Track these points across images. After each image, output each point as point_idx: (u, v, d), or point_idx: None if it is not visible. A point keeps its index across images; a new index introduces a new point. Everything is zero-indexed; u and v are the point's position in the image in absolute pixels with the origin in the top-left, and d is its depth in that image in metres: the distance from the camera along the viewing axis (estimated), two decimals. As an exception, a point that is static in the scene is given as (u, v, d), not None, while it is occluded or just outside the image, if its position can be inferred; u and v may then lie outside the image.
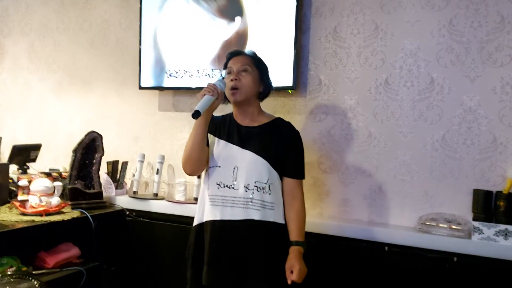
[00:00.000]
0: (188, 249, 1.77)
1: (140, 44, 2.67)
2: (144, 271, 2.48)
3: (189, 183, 2.51)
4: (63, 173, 2.65)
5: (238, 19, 2.41)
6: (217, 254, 1.65)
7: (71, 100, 3.04)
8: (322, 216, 2.26)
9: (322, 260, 2.03)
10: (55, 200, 2.22)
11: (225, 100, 1.73)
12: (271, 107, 2.35)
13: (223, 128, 1.74)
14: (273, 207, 1.65)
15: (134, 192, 2.62)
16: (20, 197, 2.23)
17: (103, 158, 2.53)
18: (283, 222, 1.67)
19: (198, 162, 1.69)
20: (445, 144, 2.05)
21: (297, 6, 2.25)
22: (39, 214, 2.11)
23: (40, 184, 2.21)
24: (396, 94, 2.14)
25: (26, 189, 2.25)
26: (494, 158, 1.96)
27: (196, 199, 2.46)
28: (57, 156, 3.01)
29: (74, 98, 3.03)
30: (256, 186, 1.63)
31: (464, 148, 2.02)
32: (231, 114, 1.79)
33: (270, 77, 1.80)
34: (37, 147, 2.65)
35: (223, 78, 1.74)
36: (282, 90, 2.31)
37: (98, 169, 2.52)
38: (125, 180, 2.71)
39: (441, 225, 1.94)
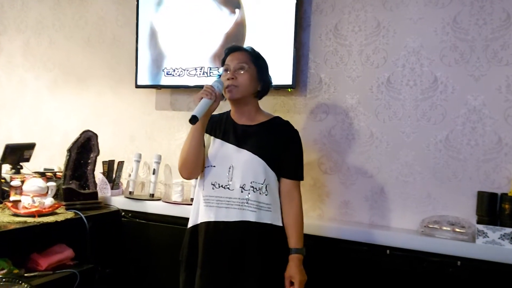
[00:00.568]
0: (182, 252, 1.71)
1: (136, 41, 2.61)
2: (140, 273, 2.43)
3: (186, 183, 2.46)
4: (57, 173, 2.60)
5: (237, 11, 2.36)
6: (211, 257, 1.60)
7: (67, 98, 2.98)
8: (322, 218, 2.21)
9: (321, 263, 1.97)
10: (49, 200, 2.17)
11: (223, 97, 1.66)
12: (271, 106, 2.30)
13: (219, 126, 1.68)
14: (270, 208, 1.60)
15: (130, 193, 2.57)
16: (12, 198, 2.18)
17: (98, 157, 2.48)
18: (280, 224, 1.62)
19: (195, 165, 1.62)
20: (449, 144, 1.99)
21: (297, 3, 2.20)
22: (32, 215, 2.06)
23: (33, 184, 2.16)
24: (399, 93, 2.09)
25: (19, 189, 2.21)
26: (499, 159, 1.91)
27: (193, 199, 2.41)
28: (52, 155, 2.96)
29: (69, 96, 2.97)
30: (252, 187, 1.57)
31: (468, 149, 1.96)
32: (228, 113, 1.73)
33: (270, 74, 1.73)
34: (31, 146, 2.59)
35: (219, 76, 1.68)
36: (281, 88, 2.26)
37: (93, 169, 2.47)
38: (121, 180, 2.66)
39: (444, 228, 1.89)
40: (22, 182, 2.21)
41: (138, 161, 2.60)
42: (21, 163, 2.61)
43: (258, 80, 1.66)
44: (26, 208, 2.09)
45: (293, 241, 1.60)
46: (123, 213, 2.48)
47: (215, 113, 1.67)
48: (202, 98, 1.52)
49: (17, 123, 3.17)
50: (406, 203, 2.07)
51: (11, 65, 3.20)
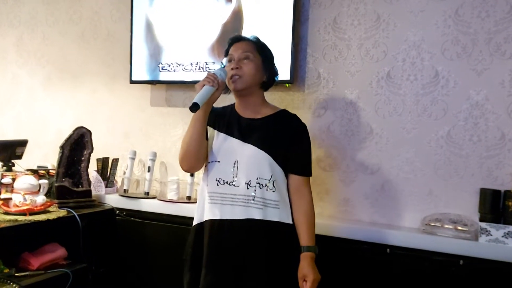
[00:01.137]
0: (186, 251, 1.65)
1: (131, 36, 2.56)
2: (134, 273, 2.38)
3: (182, 181, 2.41)
4: (51, 171, 2.54)
5: (234, 0, 2.31)
6: (216, 256, 1.53)
7: (61, 94, 2.93)
8: (321, 216, 2.13)
9: (320, 262, 1.91)
10: (41, 198, 2.11)
11: (227, 89, 1.60)
12: (268, 101, 2.24)
13: (223, 120, 1.61)
14: (277, 205, 1.53)
15: (125, 191, 2.52)
16: (3, 195, 2.12)
17: (92, 155, 2.43)
18: (290, 222, 1.55)
19: (196, 157, 1.56)
20: (451, 140, 1.94)
21: (295, -4, 2.14)
22: (23, 213, 2.01)
23: (25, 181, 2.11)
24: (399, 88, 2.04)
25: (10, 187, 2.15)
26: (502, 156, 1.86)
27: (189, 197, 2.37)
28: (46, 152, 2.90)
29: (63, 93, 2.92)
30: (259, 183, 1.51)
31: (470, 145, 1.91)
32: (232, 105, 1.66)
33: (275, 65, 1.66)
34: (23, 143, 2.54)
35: (224, 66, 1.62)
36: (279, 83, 2.19)
37: (87, 167, 2.42)
38: (115, 178, 2.61)
39: (446, 226, 1.84)
40: (14, 179, 2.16)
41: (133, 159, 2.55)
42: (13, 160, 2.55)
43: (264, 70, 1.60)
44: (17, 206, 2.04)
45: (305, 239, 1.54)
46: (117, 212, 2.43)
47: (218, 106, 1.61)
48: (204, 85, 1.46)
49: (10, 120, 3.12)
50: (407, 201, 2.02)
51: (5, 61, 3.14)
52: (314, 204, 2.13)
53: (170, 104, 2.58)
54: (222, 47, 2.18)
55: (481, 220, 1.79)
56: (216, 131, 1.60)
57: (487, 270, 1.72)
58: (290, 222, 1.55)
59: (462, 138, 1.93)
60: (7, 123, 3.12)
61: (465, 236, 1.79)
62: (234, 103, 1.66)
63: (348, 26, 2.14)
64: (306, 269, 1.50)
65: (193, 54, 2.41)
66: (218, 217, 1.53)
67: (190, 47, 2.42)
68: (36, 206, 2.08)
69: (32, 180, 2.12)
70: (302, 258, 1.52)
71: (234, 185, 1.52)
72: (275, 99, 2.28)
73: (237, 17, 2.30)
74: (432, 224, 1.87)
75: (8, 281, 1.70)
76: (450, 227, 1.83)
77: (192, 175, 2.35)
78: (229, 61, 1.59)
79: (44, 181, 2.17)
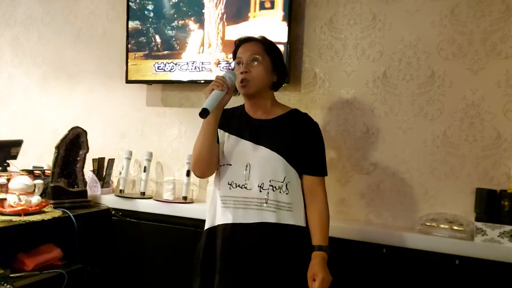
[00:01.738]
0: (197, 254, 1.62)
1: (127, 36, 2.54)
2: (130, 273, 2.37)
3: (178, 181, 2.41)
4: (46, 171, 2.53)
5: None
6: (229, 261, 1.50)
7: (56, 94, 2.92)
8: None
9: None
10: (35, 199, 2.10)
11: (236, 91, 1.58)
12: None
13: (234, 122, 1.59)
14: (290, 208, 1.50)
15: (121, 191, 2.51)
16: (-3, 196, 2.11)
17: (88, 155, 2.42)
18: (303, 224, 1.52)
19: (209, 163, 1.54)
20: (447, 140, 1.94)
21: (291, -4, 2.14)
22: (18, 213, 2.00)
23: (19, 182, 2.09)
24: (395, 88, 2.03)
25: (5, 187, 2.14)
26: (498, 155, 1.86)
27: (185, 198, 2.36)
28: (42, 153, 2.89)
29: (59, 92, 2.90)
30: (272, 186, 1.48)
31: (466, 145, 1.91)
32: (242, 106, 1.64)
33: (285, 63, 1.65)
34: (18, 143, 2.52)
35: (233, 68, 1.60)
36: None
37: (83, 167, 2.41)
38: (111, 178, 2.60)
39: (442, 226, 1.83)
40: (8, 180, 2.15)
41: (129, 159, 2.54)
42: (8, 161, 2.54)
43: (273, 71, 1.57)
44: (12, 206, 2.03)
45: (317, 239, 1.50)
46: (113, 212, 2.42)
47: (227, 107, 1.58)
48: (213, 90, 1.44)
49: (5, 120, 3.10)
50: (403, 201, 2.01)
51: (0, 61, 3.12)
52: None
53: (166, 104, 2.57)
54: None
55: (477, 220, 1.79)
56: (227, 134, 1.58)
57: (482, 270, 1.71)
58: (304, 224, 1.52)
59: (458, 138, 1.93)
60: (2, 123, 3.10)
61: (460, 236, 1.78)
62: (243, 104, 1.64)
63: (344, 26, 2.13)
64: (316, 268, 1.46)
65: (190, 52, 2.40)
66: (230, 221, 1.50)
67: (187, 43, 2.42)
68: (31, 207, 2.07)
69: (27, 180, 2.11)
70: (312, 257, 1.48)
71: (246, 188, 1.50)
72: None
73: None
74: (428, 224, 1.87)
75: (3, 282, 1.69)
76: (446, 227, 1.83)
77: (188, 175, 2.35)
78: (238, 63, 1.56)
79: (39, 182, 2.16)
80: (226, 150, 1.55)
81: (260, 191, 1.48)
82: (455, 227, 1.81)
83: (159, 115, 2.59)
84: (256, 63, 1.53)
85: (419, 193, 1.99)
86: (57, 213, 2.15)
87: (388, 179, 2.04)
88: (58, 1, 2.89)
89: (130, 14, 2.53)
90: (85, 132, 2.39)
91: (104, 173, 2.57)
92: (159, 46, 2.46)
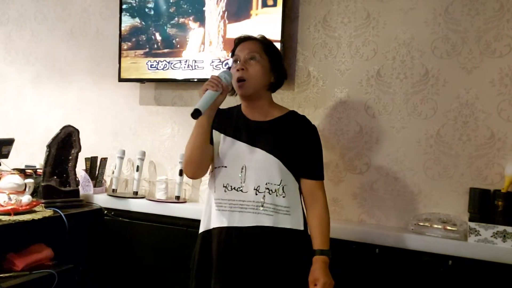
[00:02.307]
0: (192, 259, 1.59)
1: (120, 34, 2.52)
2: (123, 273, 2.35)
3: (170, 180, 2.39)
4: (38, 170, 2.51)
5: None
6: (226, 266, 1.47)
7: (49, 92, 2.89)
8: (310, 216, 2.13)
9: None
10: (26, 198, 2.08)
11: (232, 91, 1.56)
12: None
13: (230, 123, 1.56)
14: (288, 211, 1.47)
15: (113, 190, 2.49)
16: (-13, 195, 2.09)
17: (81, 154, 2.40)
18: (302, 228, 1.50)
19: (200, 164, 1.51)
20: (440, 140, 1.93)
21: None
22: (7, 213, 1.98)
23: (10, 181, 2.08)
24: (389, 87, 2.02)
25: (-5, 187, 2.12)
26: (492, 155, 1.85)
27: (177, 197, 2.34)
28: (34, 152, 2.87)
29: (52, 91, 2.88)
30: (268, 189, 1.45)
31: (460, 144, 1.90)
32: (239, 107, 1.61)
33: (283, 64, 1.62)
34: (9, 142, 2.49)
35: (229, 68, 1.57)
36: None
37: (75, 166, 2.39)
38: (104, 177, 2.58)
39: (435, 226, 1.82)
40: (-1, 179, 2.13)
41: (122, 158, 2.52)
42: (-1, 160, 2.52)
43: (271, 71, 1.54)
44: (2, 206, 2.01)
45: (318, 242, 1.48)
46: (105, 211, 2.40)
47: (224, 106, 1.56)
48: (207, 90, 1.41)
49: (-2, 119, 3.08)
50: (396, 200, 2.00)
51: (-7, 59, 3.10)
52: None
53: (159, 102, 2.55)
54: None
55: (470, 220, 1.77)
56: (222, 135, 1.55)
57: (476, 270, 1.70)
58: (302, 228, 1.50)
59: (451, 137, 1.91)
60: (-5, 122, 3.08)
61: (454, 236, 1.77)
62: (240, 105, 1.61)
63: (338, 24, 2.11)
64: (317, 273, 1.43)
65: (184, 50, 2.38)
66: (226, 225, 1.48)
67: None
68: (21, 206, 2.05)
69: (17, 179, 2.09)
70: (314, 261, 1.46)
71: (242, 190, 1.47)
72: None
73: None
74: (421, 224, 1.85)
75: (-11, 283, 1.67)
76: (439, 227, 1.81)
77: (180, 174, 2.33)
78: (235, 61, 1.54)
79: (29, 181, 2.14)
80: (222, 151, 1.52)
81: (256, 194, 1.46)
82: (449, 227, 1.80)
83: (152, 114, 2.57)
84: (253, 61, 1.51)
85: (413, 192, 1.97)
86: (48, 212, 2.13)
87: (382, 179, 2.02)
88: (51, -1, 2.87)
89: (130, 12, 2.49)
90: (77, 131, 2.37)
91: (97, 172, 2.55)
92: (159, 44, 2.42)
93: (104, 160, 2.56)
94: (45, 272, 2.01)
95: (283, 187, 1.47)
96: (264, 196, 1.46)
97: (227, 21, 2.25)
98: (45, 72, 2.90)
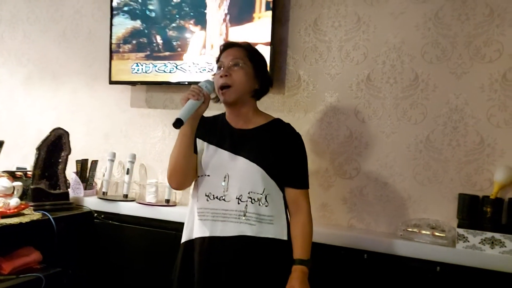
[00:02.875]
0: (174, 269, 1.57)
1: (110, 35, 2.51)
2: (112, 276, 2.34)
3: (160, 184, 2.38)
4: (28, 172, 2.50)
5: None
6: (207, 276, 1.45)
7: (41, 94, 2.88)
8: (299, 221, 2.12)
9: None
10: (14, 201, 2.07)
11: (217, 98, 1.55)
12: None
13: (214, 131, 1.54)
14: (272, 221, 1.45)
15: (104, 193, 2.48)
16: (-25, 198, 2.08)
17: (72, 156, 2.39)
18: (285, 238, 1.47)
19: (184, 174, 1.49)
20: (430, 145, 1.92)
21: (274, -2, 2.11)
22: (-5, 216, 1.96)
23: (-3, 184, 2.06)
24: (379, 92, 2.01)
25: (-17, 190, 2.11)
26: (481, 161, 1.84)
27: (167, 200, 2.33)
28: (26, 154, 2.85)
29: (44, 93, 2.87)
30: (250, 197, 1.43)
31: (449, 150, 1.89)
32: (223, 115, 1.59)
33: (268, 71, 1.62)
34: (-1, 144, 2.49)
35: (213, 75, 1.57)
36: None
37: (64, 168, 2.38)
38: (95, 180, 2.56)
39: (423, 232, 1.81)
40: (-13, 181, 2.12)
41: (112, 160, 2.51)
42: (-11, 162, 2.50)
43: (255, 77, 1.52)
44: (-11, 209, 2.00)
45: (298, 252, 1.45)
46: (95, 214, 2.39)
47: (208, 115, 1.55)
48: (188, 99, 1.40)
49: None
50: (385, 206, 1.99)
51: (-15, 60, 3.09)
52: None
53: (150, 105, 2.54)
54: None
55: (459, 226, 1.76)
56: (206, 143, 1.53)
57: (464, 276, 1.69)
58: (285, 238, 1.48)
59: (441, 142, 1.90)
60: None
61: (442, 242, 1.76)
62: (224, 113, 1.60)
63: (329, 28, 2.10)
64: (294, 282, 1.41)
65: (174, 53, 2.37)
66: (208, 235, 1.46)
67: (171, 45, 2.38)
68: (9, 209, 2.03)
69: (5, 182, 2.08)
70: (293, 270, 1.44)
71: (224, 200, 1.45)
72: None
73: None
74: (410, 229, 1.84)
75: (-27, 287, 1.66)
76: (428, 233, 1.80)
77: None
78: (219, 68, 1.53)
79: (18, 184, 2.14)
80: (205, 160, 1.50)
81: (238, 203, 1.44)
82: (437, 233, 1.79)
83: (143, 117, 2.56)
84: (237, 67, 1.49)
85: (402, 198, 1.96)
86: (37, 215, 2.11)
87: (371, 184, 2.01)
88: (43, 0, 2.86)
89: (131, 14, 2.46)
90: (67, 134, 2.36)
91: (88, 175, 2.54)
92: (160, 47, 2.40)
93: (94, 162, 2.55)
94: (32, 276, 2.00)
95: (266, 196, 1.45)
96: (246, 205, 1.44)
97: (229, 25, 2.22)
98: (37, 74, 2.89)
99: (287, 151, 1.50)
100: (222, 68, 1.51)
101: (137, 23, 2.45)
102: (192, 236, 1.51)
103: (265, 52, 1.97)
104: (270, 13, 2.13)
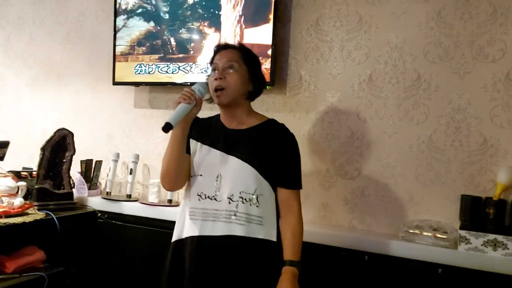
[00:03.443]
0: (164, 268, 1.58)
1: (114, 36, 2.53)
2: (114, 276, 2.35)
3: (163, 184, 2.38)
4: (33, 172, 2.53)
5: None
6: (197, 275, 1.46)
7: (46, 95, 2.91)
8: (301, 221, 2.11)
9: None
10: (18, 201, 2.09)
11: (211, 100, 1.56)
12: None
13: (208, 132, 1.55)
14: (261, 221, 1.45)
15: (107, 193, 2.50)
16: (-20, 198, 2.11)
17: (77, 156, 2.41)
18: (274, 239, 1.47)
19: (177, 176, 1.51)
20: (432, 145, 1.90)
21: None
22: (-2, 215, 1.99)
23: (2, 184, 2.09)
24: (381, 92, 1.99)
25: (-12, 190, 2.13)
26: (484, 161, 1.81)
27: (170, 201, 2.34)
28: (32, 154, 2.88)
29: (49, 94, 2.90)
30: (242, 197, 1.44)
31: (452, 150, 1.87)
32: (218, 116, 1.60)
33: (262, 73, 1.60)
34: (4, 145, 2.51)
35: (208, 77, 1.56)
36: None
37: (69, 169, 2.40)
38: (99, 180, 2.58)
39: (425, 233, 1.79)
40: (-8, 181, 2.14)
41: (116, 161, 2.53)
42: (-6, 162, 2.54)
43: (250, 80, 1.53)
44: (-7, 208, 2.02)
45: (288, 253, 1.45)
46: (99, 214, 2.40)
47: (203, 116, 1.55)
48: (180, 103, 1.40)
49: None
50: (387, 207, 1.97)
51: (-8, 62, 3.13)
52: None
53: (153, 106, 2.55)
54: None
55: (461, 227, 1.74)
56: (199, 144, 1.54)
57: (466, 279, 1.67)
58: (274, 239, 1.48)
59: (443, 143, 1.88)
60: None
61: (444, 244, 1.74)
62: (219, 114, 1.60)
63: (330, 28, 2.09)
64: (285, 283, 1.40)
65: (176, 56, 2.38)
66: (197, 234, 1.46)
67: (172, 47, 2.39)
68: (13, 209, 2.06)
69: (9, 182, 2.11)
70: (282, 272, 1.43)
71: (216, 199, 1.46)
72: (256, 101, 2.19)
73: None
74: (411, 231, 1.82)
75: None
76: (429, 234, 1.78)
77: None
78: (213, 70, 1.53)
79: (22, 183, 2.15)
80: (197, 160, 1.51)
81: (229, 203, 1.44)
82: (439, 235, 1.77)
83: (146, 117, 2.57)
84: (232, 70, 1.49)
85: (404, 199, 1.94)
86: (40, 215, 2.13)
87: (373, 184, 2.00)
88: (49, 2, 2.89)
89: (145, 17, 2.46)
90: (71, 134, 2.38)
91: (92, 175, 2.56)
92: (173, 49, 2.39)
93: (99, 162, 2.57)
94: (35, 275, 2.02)
95: (257, 197, 1.45)
96: (237, 205, 1.44)
97: (243, 26, 2.19)
98: (43, 75, 2.93)
99: (280, 151, 1.50)
100: (216, 70, 1.51)
101: (151, 25, 2.44)
102: (182, 236, 1.52)
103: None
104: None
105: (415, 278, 1.74)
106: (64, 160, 2.39)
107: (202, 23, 2.31)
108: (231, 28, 2.23)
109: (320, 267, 1.89)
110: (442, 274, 1.70)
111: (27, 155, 2.90)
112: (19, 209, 2.08)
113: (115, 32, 2.53)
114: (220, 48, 1.57)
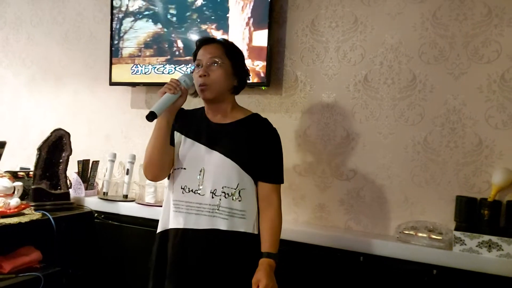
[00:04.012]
0: (150, 259, 1.60)
1: (111, 36, 2.53)
2: (111, 276, 2.36)
3: (159, 184, 2.38)
4: (30, 172, 2.53)
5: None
6: (179, 267, 1.49)
7: (44, 96, 2.92)
8: (297, 222, 2.12)
9: (292, 269, 1.88)
10: (14, 201, 2.10)
11: (196, 94, 1.56)
12: (245, 104, 2.17)
13: (192, 125, 1.56)
14: (244, 215, 1.48)
15: (104, 193, 2.50)
16: (-24, 198, 2.11)
17: (74, 156, 2.42)
18: (256, 232, 1.50)
19: (160, 166, 1.51)
20: (427, 146, 1.90)
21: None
22: (-5, 216, 1.99)
23: (-2, 184, 2.09)
24: (376, 92, 1.99)
25: (-16, 190, 2.14)
26: (479, 163, 1.81)
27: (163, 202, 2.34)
28: (30, 154, 2.87)
29: (47, 93, 2.91)
30: (224, 192, 1.46)
31: (447, 151, 1.86)
32: (203, 109, 1.61)
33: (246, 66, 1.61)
34: (1, 145, 2.52)
35: (191, 72, 1.57)
36: (255, 86, 2.17)
37: (65, 169, 2.40)
38: (96, 180, 2.59)
39: (420, 234, 1.79)
40: (-12, 182, 2.15)
41: (113, 161, 2.53)
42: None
43: (234, 75, 1.53)
44: (-11, 209, 2.03)
45: (266, 246, 1.48)
46: (96, 214, 2.41)
47: (188, 108, 1.56)
48: (165, 93, 1.41)
49: (-5, 121, 3.12)
50: (382, 208, 1.97)
51: (-10, 62, 3.14)
52: (290, 209, 2.13)
53: (150, 106, 2.55)
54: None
55: (456, 228, 1.74)
56: (183, 137, 1.55)
57: (460, 280, 1.67)
58: (256, 232, 1.50)
59: (439, 144, 1.88)
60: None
61: (438, 245, 1.74)
62: (204, 106, 1.61)
63: (326, 29, 2.09)
64: (261, 274, 1.42)
65: (174, 55, 2.38)
66: (182, 226, 1.49)
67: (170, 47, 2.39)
68: (10, 209, 2.06)
69: (5, 182, 2.11)
70: (260, 263, 1.46)
71: (199, 193, 1.48)
72: (252, 102, 2.24)
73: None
74: (406, 232, 1.82)
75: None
76: (425, 235, 1.78)
77: (169, 178, 2.32)
78: (197, 65, 1.53)
79: (18, 184, 2.16)
80: (181, 153, 1.53)
81: (213, 197, 1.46)
82: (434, 236, 1.77)
83: (143, 118, 2.56)
84: (215, 66, 1.50)
85: (399, 200, 1.94)
86: (36, 215, 2.14)
87: (368, 185, 2.00)
88: (46, 2, 2.89)
89: (152, 18, 2.44)
90: (68, 134, 2.39)
91: (89, 175, 2.56)
92: (180, 51, 2.37)
93: (96, 163, 2.57)
94: (31, 275, 2.03)
95: (239, 191, 1.47)
96: (220, 199, 1.46)
97: (252, 28, 2.16)
98: (41, 75, 2.93)
99: (262, 146, 1.51)
100: (200, 66, 1.51)
101: (158, 27, 2.42)
102: (167, 227, 1.55)
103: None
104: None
105: (410, 279, 1.74)
106: (60, 160, 2.40)
107: (209, 25, 2.29)
108: (239, 31, 2.20)
109: (316, 268, 1.89)
110: (437, 275, 1.70)
111: (24, 155, 2.91)
112: (15, 210, 2.08)
113: (112, 32, 2.53)
114: (203, 42, 1.56)
